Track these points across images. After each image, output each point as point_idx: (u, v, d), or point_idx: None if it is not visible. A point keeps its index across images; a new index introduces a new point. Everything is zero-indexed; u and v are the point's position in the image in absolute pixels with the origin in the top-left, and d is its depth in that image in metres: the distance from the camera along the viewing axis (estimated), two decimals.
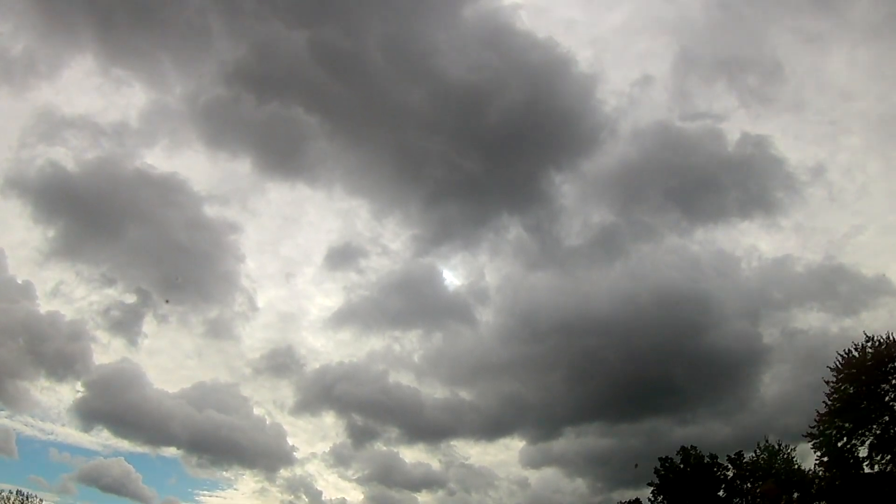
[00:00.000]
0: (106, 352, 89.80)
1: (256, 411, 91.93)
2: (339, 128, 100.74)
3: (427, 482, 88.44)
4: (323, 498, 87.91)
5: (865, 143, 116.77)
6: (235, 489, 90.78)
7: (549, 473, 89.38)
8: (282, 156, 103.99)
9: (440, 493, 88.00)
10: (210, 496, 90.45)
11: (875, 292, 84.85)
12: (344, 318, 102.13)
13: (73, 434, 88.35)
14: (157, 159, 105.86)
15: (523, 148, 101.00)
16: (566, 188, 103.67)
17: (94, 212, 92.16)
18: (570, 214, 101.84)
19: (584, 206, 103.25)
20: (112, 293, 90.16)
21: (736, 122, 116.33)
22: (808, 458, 79.01)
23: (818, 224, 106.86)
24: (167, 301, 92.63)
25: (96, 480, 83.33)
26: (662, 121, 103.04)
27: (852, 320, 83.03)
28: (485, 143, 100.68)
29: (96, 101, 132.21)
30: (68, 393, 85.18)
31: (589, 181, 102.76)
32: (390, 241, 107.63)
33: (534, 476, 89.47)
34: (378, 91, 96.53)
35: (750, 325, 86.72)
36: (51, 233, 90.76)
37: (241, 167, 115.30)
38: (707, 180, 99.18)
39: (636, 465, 77.64)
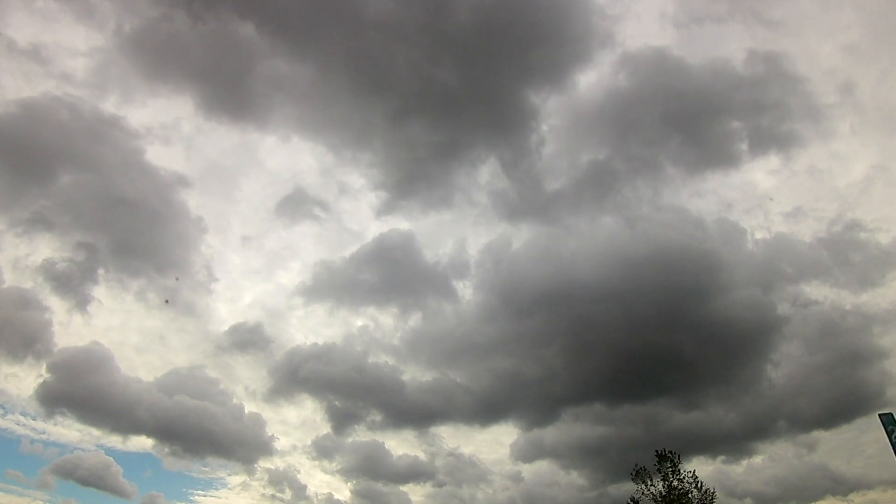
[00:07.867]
0: (66, 331, 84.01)
1: (231, 397, 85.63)
2: (281, 37, 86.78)
3: (414, 474, 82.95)
4: (307, 492, 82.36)
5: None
6: (229, 489, 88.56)
7: (544, 466, 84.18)
8: (225, 86, 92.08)
9: (428, 485, 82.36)
10: (205, 496, 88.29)
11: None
12: (311, 290, 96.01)
13: (42, 424, 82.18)
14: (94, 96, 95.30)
15: (501, 55, 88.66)
16: (551, 104, 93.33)
17: (27, 159, 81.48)
18: (554, 143, 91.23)
19: (571, 135, 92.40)
20: (62, 255, 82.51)
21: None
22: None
23: (836, 165, 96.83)
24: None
25: (72, 473, 77.88)
26: (660, 46, 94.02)
27: (868, 295, 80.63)
28: (457, 50, 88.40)
29: (19, 29, 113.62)
30: (32, 379, 78.92)
31: (580, 101, 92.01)
32: (350, 181, 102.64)
33: (527, 469, 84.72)
34: None
35: (762, 294, 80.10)
36: None
37: (184, 105, 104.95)
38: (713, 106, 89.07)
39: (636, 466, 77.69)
